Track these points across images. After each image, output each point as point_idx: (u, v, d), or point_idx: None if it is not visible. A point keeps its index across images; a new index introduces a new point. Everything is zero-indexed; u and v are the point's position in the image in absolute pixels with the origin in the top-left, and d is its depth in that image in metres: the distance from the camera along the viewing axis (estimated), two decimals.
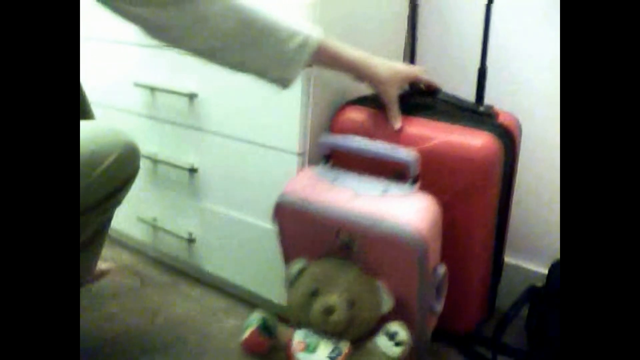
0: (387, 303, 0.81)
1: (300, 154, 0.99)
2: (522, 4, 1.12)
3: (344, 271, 0.82)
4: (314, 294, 0.81)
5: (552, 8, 1.08)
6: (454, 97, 0.99)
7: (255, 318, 0.83)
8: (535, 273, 1.17)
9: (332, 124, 0.99)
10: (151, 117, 1.22)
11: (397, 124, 0.91)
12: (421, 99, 0.99)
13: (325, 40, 0.84)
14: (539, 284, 1.00)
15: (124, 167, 0.87)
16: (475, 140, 0.87)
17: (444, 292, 0.87)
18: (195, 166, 1.16)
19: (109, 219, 0.98)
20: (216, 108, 1.09)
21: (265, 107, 1.01)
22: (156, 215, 1.28)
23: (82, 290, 1.13)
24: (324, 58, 0.85)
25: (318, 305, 0.79)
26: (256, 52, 0.79)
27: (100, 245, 1.01)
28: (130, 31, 1.21)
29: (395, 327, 0.79)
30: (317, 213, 0.83)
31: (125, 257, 1.37)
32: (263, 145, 1.03)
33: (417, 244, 0.76)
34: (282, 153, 1.01)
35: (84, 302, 1.13)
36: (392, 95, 0.91)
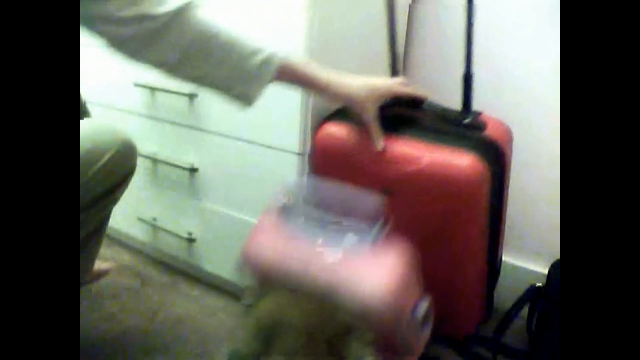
0: (351, 319, 0.76)
1: (300, 154, 0.99)
2: (519, 5, 1.12)
3: (300, 303, 0.78)
4: (271, 332, 0.78)
5: (550, 9, 1.08)
6: (438, 107, 0.95)
7: (225, 355, 0.81)
8: (535, 273, 1.17)
9: (315, 140, 0.96)
10: (151, 117, 1.22)
11: (379, 145, 0.88)
12: (404, 111, 0.93)
13: (291, 59, 0.82)
14: (539, 284, 1.00)
15: (121, 164, 0.87)
16: (458, 162, 0.84)
17: (431, 319, 0.84)
18: (195, 166, 1.16)
19: (106, 218, 0.98)
20: (216, 108, 1.09)
21: (265, 107, 1.01)
22: (156, 215, 1.28)
23: (82, 290, 1.13)
24: (290, 76, 0.82)
25: (277, 351, 0.76)
26: (217, 66, 0.78)
27: (97, 245, 1.01)
28: None
29: (359, 351, 0.75)
30: (278, 278, 0.80)
31: (125, 257, 1.37)
32: (263, 145, 1.03)
33: (385, 316, 0.73)
34: (282, 153, 1.01)
35: (84, 302, 1.13)
36: (369, 115, 0.87)
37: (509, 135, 0.99)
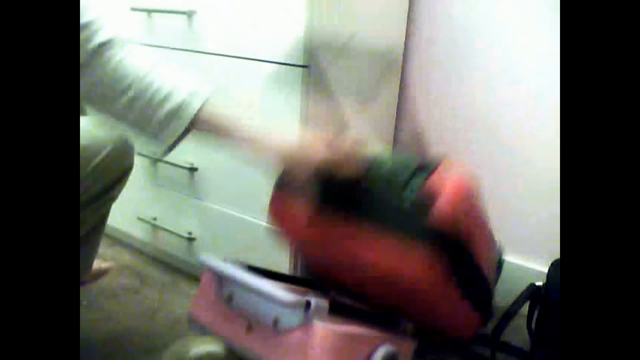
0: None
1: None
2: (515, 13, 1.12)
3: None
4: None
5: (548, 19, 1.08)
6: (384, 170, 0.80)
7: None
8: (534, 272, 1.17)
9: (269, 209, 0.87)
10: None
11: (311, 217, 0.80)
12: (345, 180, 0.79)
13: (213, 107, 0.74)
14: (539, 282, 1.00)
15: (118, 161, 0.87)
16: (405, 265, 0.75)
17: (399, 353, 0.81)
18: (195, 165, 1.16)
19: (105, 216, 0.98)
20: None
21: (265, 106, 1.01)
22: (156, 214, 1.28)
23: (82, 289, 1.13)
24: (208, 127, 0.75)
25: None
26: (128, 108, 0.72)
27: (96, 243, 1.01)
28: (130, 31, 1.21)
29: None
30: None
31: (125, 257, 1.37)
32: None
33: None
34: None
35: (84, 302, 1.13)
36: (299, 179, 0.77)
37: (469, 193, 0.80)
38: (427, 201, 0.75)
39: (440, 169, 0.79)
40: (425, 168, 0.79)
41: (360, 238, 0.78)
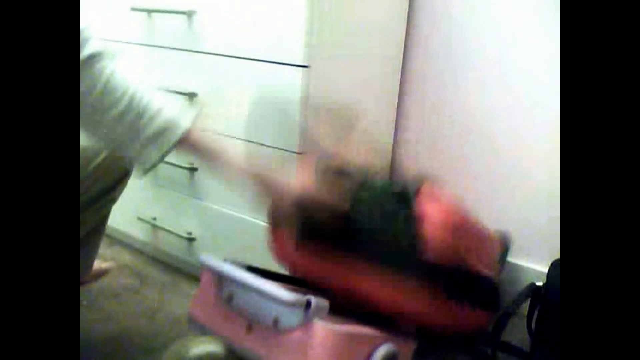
0: None
1: (300, 153, 0.99)
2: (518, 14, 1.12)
3: None
4: None
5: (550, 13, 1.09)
6: (365, 210, 0.80)
7: None
8: (534, 271, 1.17)
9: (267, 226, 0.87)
10: None
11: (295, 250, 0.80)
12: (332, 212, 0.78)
13: (198, 130, 0.75)
14: (539, 282, 1.00)
15: (118, 162, 0.87)
16: (397, 297, 0.78)
17: (399, 352, 0.81)
18: (195, 165, 1.16)
19: (106, 217, 0.98)
20: (216, 106, 1.09)
21: (265, 106, 1.01)
22: (156, 214, 1.28)
23: (82, 289, 1.13)
24: (192, 148, 0.76)
25: None
26: (121, 121, 0.71)
27: (97, 244, 1.01)
28: (132, 31, 1.21)
29: None
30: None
31: (125, 257, 1.37)
32: (262, 145, 1.03)
33: None
34: (281, 152, 1.01)
35: (84, 302, 1.13)
36: (283, 211, 0.78)
37: (456, 217, 0.81)
38: (416, 234, 0.77)
39: (422, 194, 0.80)
40: (409, 193, 0.80)
41: (348, 270, 0.79)
